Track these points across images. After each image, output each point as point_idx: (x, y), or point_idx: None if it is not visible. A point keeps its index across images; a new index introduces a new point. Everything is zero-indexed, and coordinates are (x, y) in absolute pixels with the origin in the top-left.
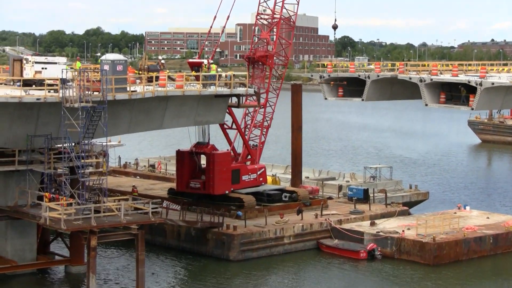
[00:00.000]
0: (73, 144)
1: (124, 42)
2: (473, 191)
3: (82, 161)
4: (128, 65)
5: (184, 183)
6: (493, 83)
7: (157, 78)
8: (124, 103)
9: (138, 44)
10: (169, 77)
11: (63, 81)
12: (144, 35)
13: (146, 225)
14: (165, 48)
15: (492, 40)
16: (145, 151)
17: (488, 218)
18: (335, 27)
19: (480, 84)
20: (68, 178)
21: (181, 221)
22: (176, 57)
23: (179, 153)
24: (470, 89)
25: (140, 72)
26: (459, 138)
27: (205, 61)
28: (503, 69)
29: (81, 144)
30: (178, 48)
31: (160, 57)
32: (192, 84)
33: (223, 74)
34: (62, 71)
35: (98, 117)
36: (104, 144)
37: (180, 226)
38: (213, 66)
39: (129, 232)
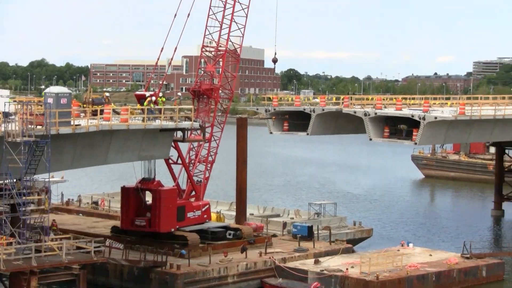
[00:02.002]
0: (15, 180)
1: (68, 74)
2: (416, 227)
3: (24, 198)
4: (72, 98)
5: (129, 220)
6: (436, 117)
7: (101, 111)
8: (67, 138)
9: (83, 76)
10: (114, 110)
11: (5, 115)
12: (89, 67)
13: (88, 265)
14: (111, 81)
15: (435, 73)
16: (88, 187)
17: (430, 255)
18: (275, 60)
19: (424, 118)
20: (9, 216)
21: (124, 260)
22: (122, 89)
23: (124, 190)
24: (414, 124)
25: (85, 106)
26: (403, 173)
27: (153, 97)
28: (446, 103)
29: (23, 180)
30: (124, 81)
31: (105, 90)
32: (137, 118)
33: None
34: (5, 104)
35: (41, 152)
36: (46, 180)
37: (123, 265)
38: (163, 99)
39: (71, 272)
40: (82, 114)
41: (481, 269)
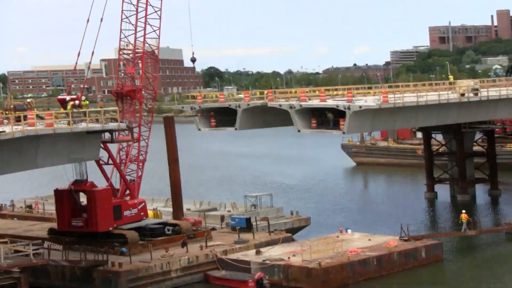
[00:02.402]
0: None
1: None
2: (352, 213)
3: None
4: None
5: (65, 222)
6: (360, 107)
7: (25, 117)
8: None
9: (1, 84)
10: (38, 115)
11: None
12: (7, 74)
13: (28, 268)
14: (30, 87)
15: (355, 64)
16: (20, 191)
17: (370, 240)
18: (193, 60)
19: (349, 108)
20: None
21: (64, 261)
22: (43, 95)
23: (58, 192)
24: (340, 114)
25: (7, 113)
26: (334, 161)
27: (76, 101)
28: (369, 92)
29: None
30: (44, 86)
31: (26, 96)
32: (62, 122)
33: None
34: None
35: None
36: None
37: (64, 266)
38: (86, 102)
39: (11, 276)
40: (6, 121)
41: (420, 251)
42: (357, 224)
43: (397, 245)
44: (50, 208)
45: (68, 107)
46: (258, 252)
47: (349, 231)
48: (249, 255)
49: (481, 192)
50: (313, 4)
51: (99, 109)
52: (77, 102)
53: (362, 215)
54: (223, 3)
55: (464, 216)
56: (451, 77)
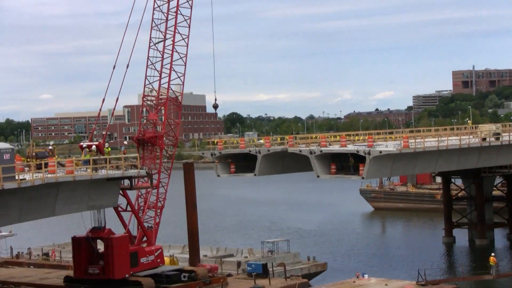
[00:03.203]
0: None
1: (9, 130)
2: (369, 258)
3: None
4: (15, 153)
5: (82, 269)
6: (381, 152)
7: (46, 164)
8: (13, 192)
9: (24, 131)
10: (58, 162)
11: None
12: (30, 121)
13: None
14: (53, 134)
15: (377, 109)
16: (37, 239)
17: (386, 285)
18: (215, 106)
19: (369, 153)
20: None
21: None
22: (65, 142)
23: (75, 240)
24: (360, 159)
25: (28, 160)
26: (352, 207)
27: (93, 147)
28: (390, 137)
29: None
30: (66, 133)
31: (48, 143)
32: (82, 169)
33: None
34: None
35: None
36: None
37: None
38: (109, 149)
39: None
40: (27, 169)
41: None
42: (374, 269)
43: None
44: (67, 255)
45: (83, 155)
46: None
47: (366, 276)
48: None
49: (499, 237)
50: (336, 47)
51: (120, 156)
52: (94, 148)
53: (379, 260)
54: (246, 49)
55: (492, 259)
56: (469, 122)
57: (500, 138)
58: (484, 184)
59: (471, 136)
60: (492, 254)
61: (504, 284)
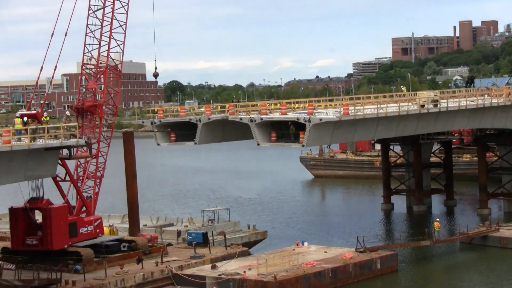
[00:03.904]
0: None
1: None
2: (309, 225)
3: None
4: None
5: (19, 240)
6: (321, 119)
7: None
8: None
9: None
10: None
11: None
12: None
13: None
14: None
15: (317, 77)
16: None
17: (326, 252)
18: (156, 75)
19: (309, 121)
20: None
21: (17, 280)
22: (2, 111)
23: (13, 210)
24: (300, 126)
25: None
26: (292, 174)
27: (25, 118)
28: (330, 105)
29: None
30: (3, 102)
31: None
32: (21, 139)
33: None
34: None
35: None
36: None
37: (17, 286)
38: (47, 118)
39: None
40: None
41: (375, 262)
42: (313, 237)
43: (352, 257)
44: (5, 227)
45: (16, 125)
46: (213, 267)
47: (306, 243)
48: (205, 269)
49: (437, 203)
50: (276, 16)
51: (59, 125)
52: (25, 119)
53: (319, 228)
54: (187, 17)
55: (437, 224)
56: (404, 89)
57: (438, 105)
58: (422, 150)
59: (410, 103)
60: (437, 219)
61: (441, 249)
